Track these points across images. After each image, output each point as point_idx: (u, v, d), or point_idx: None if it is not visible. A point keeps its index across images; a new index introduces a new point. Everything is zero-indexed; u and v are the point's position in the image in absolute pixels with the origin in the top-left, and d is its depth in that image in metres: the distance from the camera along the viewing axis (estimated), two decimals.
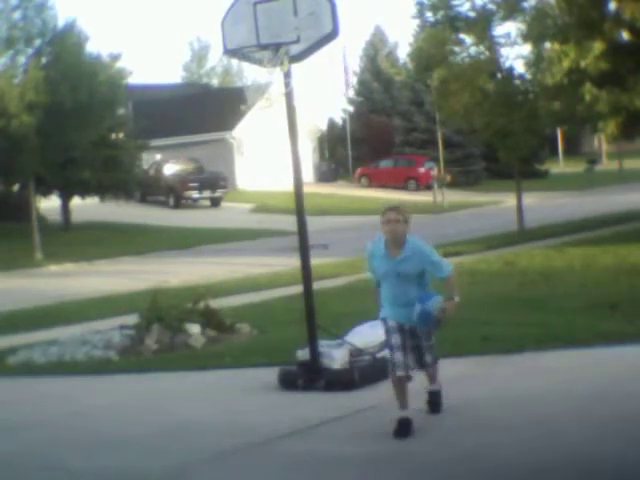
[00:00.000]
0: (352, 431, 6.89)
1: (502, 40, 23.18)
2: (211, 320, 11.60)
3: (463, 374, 8.55)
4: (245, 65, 63.08)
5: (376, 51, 61.88)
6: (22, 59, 27.83)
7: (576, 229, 23.74)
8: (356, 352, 8.51)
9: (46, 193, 30.72)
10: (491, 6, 22.63)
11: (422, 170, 45.70)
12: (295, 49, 8.16)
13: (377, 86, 59.69)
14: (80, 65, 27.84)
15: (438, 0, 23.10)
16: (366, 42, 62.83)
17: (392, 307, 6.66)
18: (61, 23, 28.97)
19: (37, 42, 28.09)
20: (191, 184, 39.42)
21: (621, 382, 7.57)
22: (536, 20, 20.67)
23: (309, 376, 8.20)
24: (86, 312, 14.58)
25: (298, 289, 9.10)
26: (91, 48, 30.21)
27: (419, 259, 6.50)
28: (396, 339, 6.62)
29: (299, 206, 8.39)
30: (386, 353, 8.78)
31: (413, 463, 5.96)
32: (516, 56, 23.75)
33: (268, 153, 43.08)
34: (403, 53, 66.50)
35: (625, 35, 19.40)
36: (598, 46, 18.78)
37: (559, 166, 54.46)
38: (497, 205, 36.62)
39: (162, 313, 11.36)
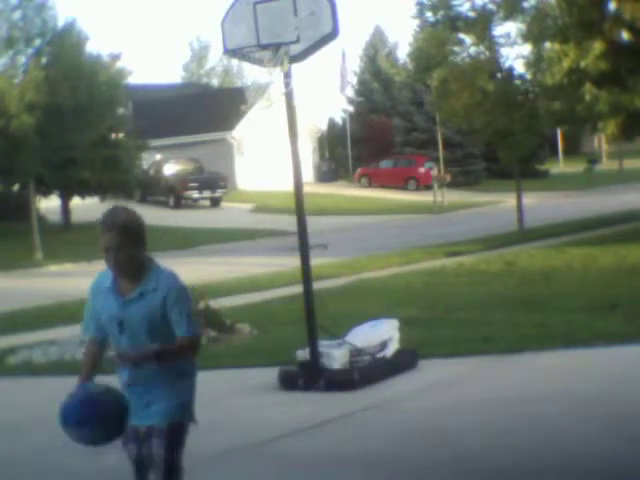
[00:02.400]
0: (352, 431, 6.89)
1: (502, 40, 23.19)
2: (211, 320, 11.60)
3: (463, 374, 8.56)
4: (245, 65, 63.16)
5: (376, 51, 61.84)
6: (22, 59, 27.86)
7: (576, 229, 23.73)
8: (356, 352, 8.51)
9: (46, 193, 30.71)
10: (491, 6, 22.61)
11: (422, 170, 45.69)
12: (295, 49, 8.17)
13: (377, 86, 59.67)
14: (80, 65, 27.86)
15: (438, 0, 23.09)
16: (366, 42, 62.83)
17: (124, 391, 4.19)
18: (61, 23, 29.06)
19: (37, 42, 28.12)
20: (191, 184, 39.42)
21: (621, 382, 7.57)
22: (536, 20, 20.66)
23: (309, 376, 8.20)
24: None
25: (298, 289, 9.10)
26: (91, 48, 30.29)
27: (167, 295, 4.08)
28: (131, 450, 4.30)
29: (299, 206, 8.40)
30: (387, 353, 8.83)
31: (413, 463, 5.96)
32: (516, 56, 23.76)
33: (268, 153, 43.05)
34: (403, 53, 66.50)
35: (625, 35, 19.38)
36: (598, 46, 18.77)
37: (559, 166, 54.40)
38: (497, 205, 36.59)
39: None
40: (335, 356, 8.36)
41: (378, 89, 59.39)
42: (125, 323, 4.14)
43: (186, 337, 4.10)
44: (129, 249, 4.07)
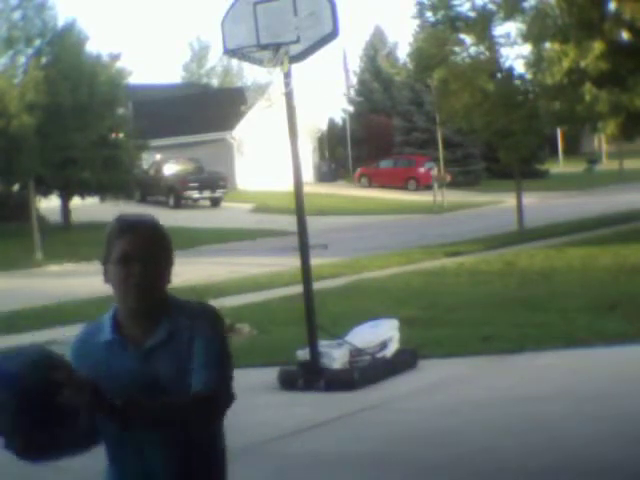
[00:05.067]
0: (352, 431, 6.89)
1: (502, 40, 23.18)
2: None
3: (463, 374, 8.55)
4: (245, 65, 63.13)
5: (376, 51, 61.89)
6: (22, 59, 27.91)
7: (576, 229, 23.72)
8: (356, 352, 8.51)
9: (46, 193, 30.72)
10: (491, 6, 22.61)
11: (422, 170, 45.71)
12: (295, 49, 8.17)
13: (377, 86, 59.70)
14: (80, 65, 27.90)
15: (438, 0, 23.08)
16: (366, 42, 62.88)
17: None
18: (61, 23, 29.12)
19: (37, 42, 28.17)
20: (191, 184, 39.43)
21: (621, 382, 7.57)
22: (536, 20, 20.66)
23: (309, 376, 8.20)
24: (86, 312, 14.55)
25: (298, 289, 9.10)
26: (91, 48, 30.38)
27: (194, 334, 2.60)
28: None
29: (299, 206, 8.40)
30: (387, 353, 8.83)
31: (413, 463, 5.96)
32: (516, 56, 23.75)
33: (268, 153, 43.08)
34: (403, 53, 66.53)
35: (625, 35, 19.38)
36: (598, 46, 18.77)
37: (559, 166, 54.43)
38: (497, 205, 36.60)
39: None
40: (335, 356, 8.36)
41: (378, 89, 59.43)
42: (148, 389, 2.57)
43: (211, 392, 2.54)
44: (161, 264, 2.62)
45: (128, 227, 2.60)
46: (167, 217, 38.85)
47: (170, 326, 2.61)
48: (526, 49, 23.75)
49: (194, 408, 2.55)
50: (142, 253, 2.56)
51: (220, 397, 2.59)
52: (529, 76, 23.13)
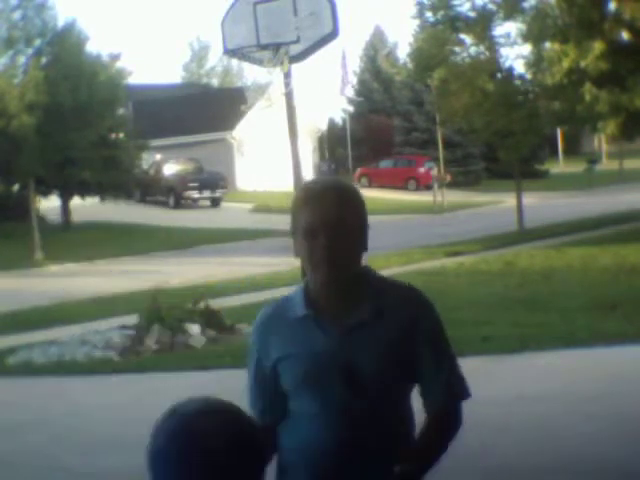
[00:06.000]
0: None
1: (502, 40, 23.19)
2: (211, 320, 11.61)
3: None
4: (245, 65, 63.16)
5: (376, 51, 61.89)
6: (22, 59, 27.91)
7: (576, 229, 23.71)
8: None
9: (46, 193, 30.73)
10: (491, 6, 22.62)
11: (422, 170, 45.70)
12: (295, 49, 8.19)
13: (377, 86, 59.70)
14: (80, 65, 27.90)
15: (438, 0, 23.08)
16: (366, 42, 62.88)
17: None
18: (61, 23, 29.15)
19: (37, 42, 28.18)
20: (191, 184, 39.42)
21: (621, 382, 7.56)
22: (536, 20, 20.67)
23: None
24: (86, 312, 14.56)
25: None
26: (91, 48, 30.40)
27: (411, 327, 2.41)
28: None
29: None
30: None
31: None
32: (516, 56, 23.78)
33: (268, 153, 43.07)
34: (403, 53, 66.52)
35: (625, 35, 19.39)
36: (598, 46, 18.78)
37: (559, 166, 54.40)
38: (497, 205, 36.58)
39: (162, 313, 11.37)
40: None
41: (378, 89, 59.42)
42: (342, 372, 2.37)
43: (444, 408, 2.71)
44: (351, 235, 2.34)
45: (314, 195, 2.36)
46: (167, 217, 38.94)
47: (375, 305, 2.37)
48: (526, 49, 23.78)
49: (450, 425, 2.75)
50: (329, 225, 2.30)
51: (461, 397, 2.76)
52: (529, 76, 23.15)
